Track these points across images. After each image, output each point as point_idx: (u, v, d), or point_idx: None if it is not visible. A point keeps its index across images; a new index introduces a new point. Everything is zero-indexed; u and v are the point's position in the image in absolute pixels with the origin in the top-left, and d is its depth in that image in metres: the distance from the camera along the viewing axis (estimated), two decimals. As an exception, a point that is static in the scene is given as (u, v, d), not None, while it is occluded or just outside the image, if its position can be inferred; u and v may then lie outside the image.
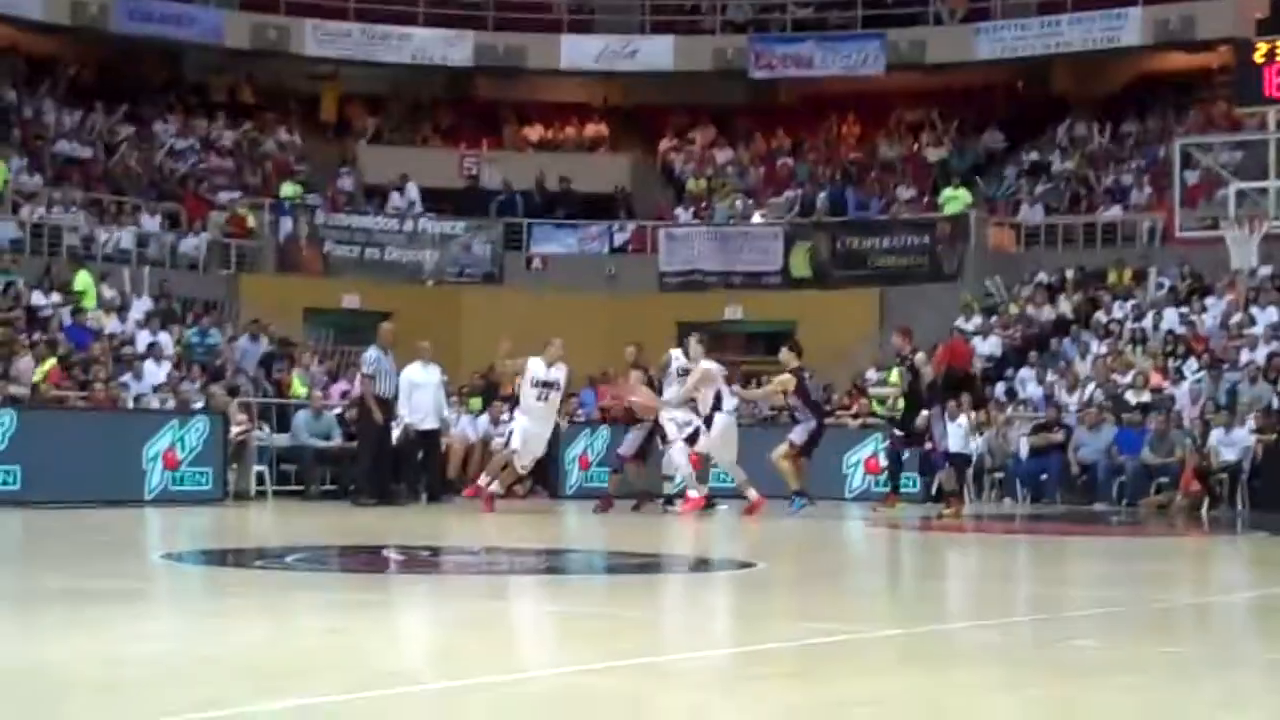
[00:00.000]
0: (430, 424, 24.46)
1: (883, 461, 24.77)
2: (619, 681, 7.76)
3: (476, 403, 28.04)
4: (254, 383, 27.87)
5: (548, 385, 21.59)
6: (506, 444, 22.03)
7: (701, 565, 15.12)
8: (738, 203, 39.41)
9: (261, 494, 24.60)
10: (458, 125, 43.45)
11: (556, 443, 24.38)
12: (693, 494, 22.20)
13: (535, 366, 21.51)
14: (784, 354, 22.75)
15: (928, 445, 22.40)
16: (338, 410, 26.29)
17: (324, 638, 9.08)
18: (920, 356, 22.44)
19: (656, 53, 41.96)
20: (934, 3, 41.50)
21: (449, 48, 41.62)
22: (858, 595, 12.80)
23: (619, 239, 38.98)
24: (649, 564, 15.30)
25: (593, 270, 37.77)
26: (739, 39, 42.00)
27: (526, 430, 21.51)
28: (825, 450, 23.19)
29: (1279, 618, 11.72)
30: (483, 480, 21.88)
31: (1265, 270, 31.12)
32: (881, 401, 27.45)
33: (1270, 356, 28.04)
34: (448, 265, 37.53)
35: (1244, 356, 28.60)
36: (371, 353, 24.10)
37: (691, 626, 10.44)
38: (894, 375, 24.94)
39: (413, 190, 38.91)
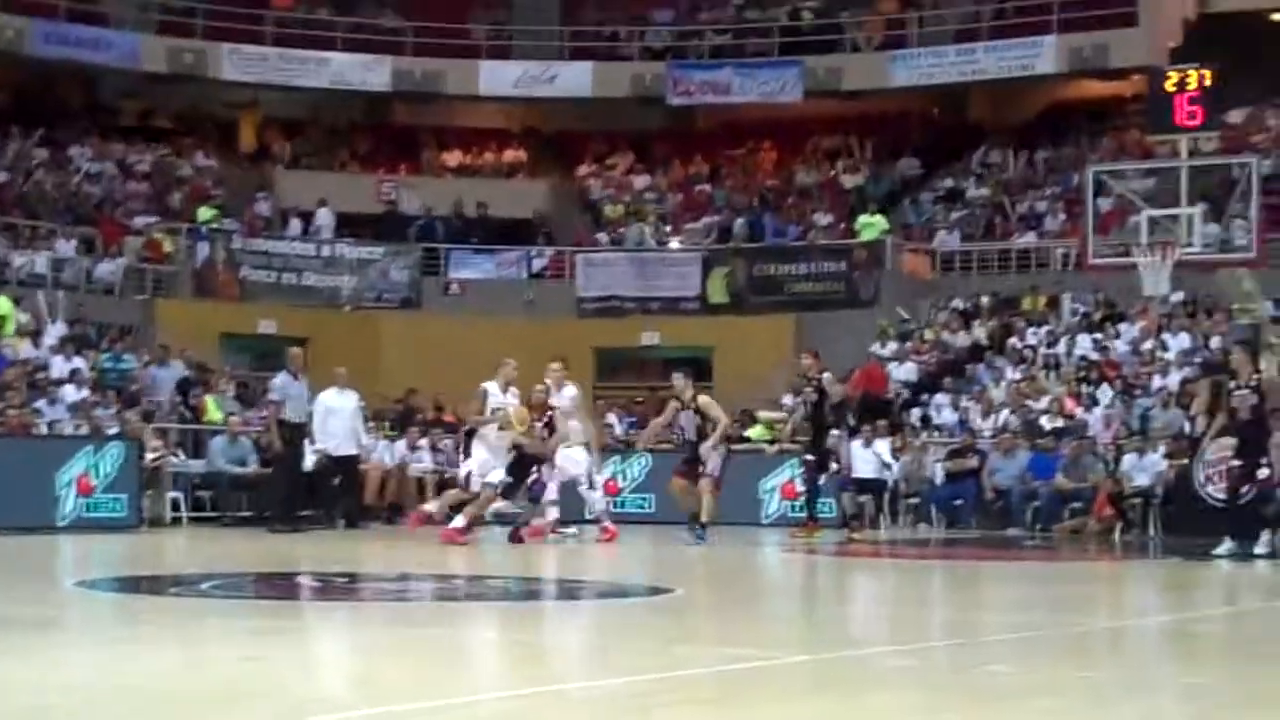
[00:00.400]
0: (346, 449, 24.30)
1: (799, 487, 24.65)
2: (536, 708, 7.77)
3: (388, 428, 27.84)
4: (170, 408, 27.68)
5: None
6: (465, 483, 20.65)
7: (618, 591, 15.11)
8: (647, 228, 39.47)
9: (176, 520, 24.40)
10: (376, 150, 43.38)
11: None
12: (607, 523, 22.05)
13: (493, 392, 20.38)
14: (680, 380, 22.42)
15: (834, 466, 22.47)
16: (255, 434, 26.08)
17: (242, 665, 9.02)
18: (827, 376, 22.47)
19: (575, 79, 41.95)
20: (851, 30, 41.75)
21: (367, 73, 41.52)
22: (774, 621, 12.84)
23: (537, 264, 38.92)
24: (566, 590, 15.30)
25: (511, 295, 37.66)
26: (657, 66, 42.01)
27: (485, 463, 20.23)
28: (741, 475, 23.10)
29: (1193, 642, 11.81)
30: (460, 522, 20.10)
31: (1177, 297, 31.39)
32: (771, 426, 27.47)
33: (1182, 382, 28.28)
34: (365, 290, 37.35)
35: (1156, 382, 28.84)
36: (279, 378, 23.94)
37: (608, 652, 10.43)
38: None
39: (324, 215, 38.73)
